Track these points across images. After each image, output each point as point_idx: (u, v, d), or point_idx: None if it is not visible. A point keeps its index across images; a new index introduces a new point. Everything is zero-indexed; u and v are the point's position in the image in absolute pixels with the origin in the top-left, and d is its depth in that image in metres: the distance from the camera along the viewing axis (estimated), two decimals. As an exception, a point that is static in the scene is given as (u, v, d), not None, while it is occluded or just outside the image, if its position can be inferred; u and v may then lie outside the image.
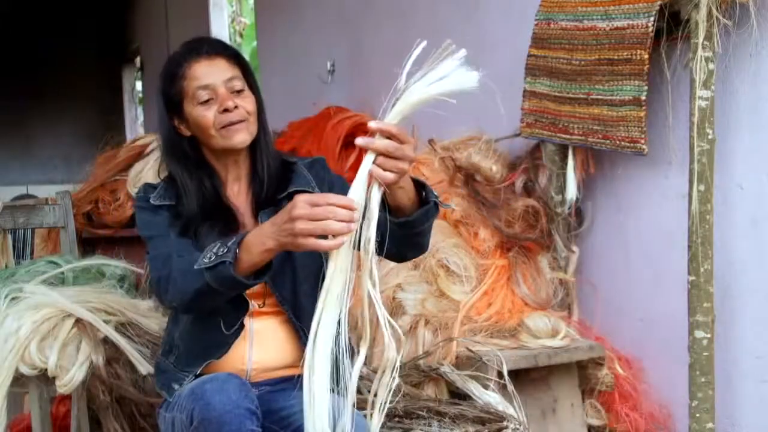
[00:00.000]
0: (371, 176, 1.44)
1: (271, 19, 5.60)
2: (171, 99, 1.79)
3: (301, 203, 1.44)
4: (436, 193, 1.60)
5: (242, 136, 1.76)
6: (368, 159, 1.44)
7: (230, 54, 1.80)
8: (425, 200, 1.58)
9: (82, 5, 9.60)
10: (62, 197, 2.75)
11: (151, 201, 1.79)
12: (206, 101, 1.75)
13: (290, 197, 1.79)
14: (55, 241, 3.37)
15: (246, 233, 1.55)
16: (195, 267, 1.56)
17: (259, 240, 1.52)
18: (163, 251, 1.71)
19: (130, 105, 10.38)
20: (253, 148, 1.82)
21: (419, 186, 1.57)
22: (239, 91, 1.77)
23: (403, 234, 1.57)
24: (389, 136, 1.43)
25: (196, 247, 1.70)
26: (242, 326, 1.74)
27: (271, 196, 1.80)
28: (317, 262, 1.75)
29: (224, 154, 1.80)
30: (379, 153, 1.43)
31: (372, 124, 1.43)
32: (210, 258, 1.54)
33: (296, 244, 1.46)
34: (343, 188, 1.84)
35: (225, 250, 1.53)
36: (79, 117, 9.90)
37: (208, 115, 1.74)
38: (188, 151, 1.81)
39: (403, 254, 1.72)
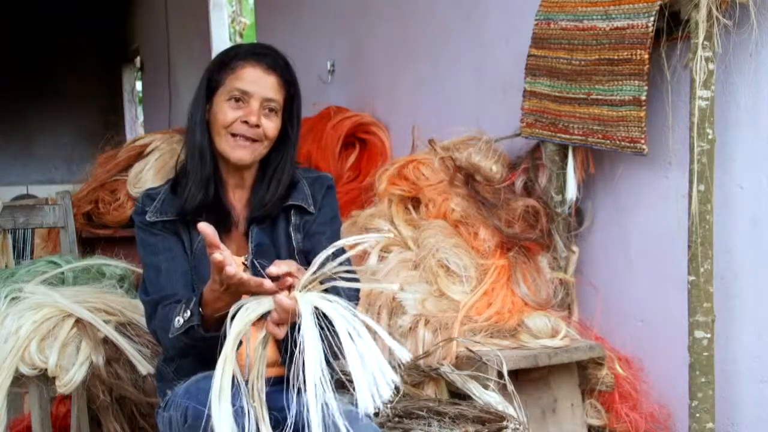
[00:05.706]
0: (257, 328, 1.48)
1: (271, 19, 5.60)
2: (210, 82, 1.79)
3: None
4: None
5: (243, 153, 1.75)
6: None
7: (287, 78, 1.79)
8: None
9: (82, 5, 9.60)
10: (62, 197, 2.75)
11: (147, 218, 1.77)
12: (237, 102, 1.74)
13: (286, 211, 1.82)
14: (55, 241, 3.37)
15: (201, 291, 1.56)
16: (169, 336, 1.59)
17: (212, 293, 1.53)
18: (152, 297, 1.72)
19: (130, 105, 10.38)
20: (264, 171, 1.82)
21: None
22: (270, 112, 1.75)
23: None
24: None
25: (188, 249, 1.71)
26: (240, 342, 1.74)
27: (267, 215, 1.81)
28: None
29: (224, 159, 1.80)
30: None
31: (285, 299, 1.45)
32: (179, 322, 1.57)
33: (238, 285, 1.46)
34: (331, 223, 1.87)
35: (189, 314, 1.56)
36: (79, 117, 9.91)
37: (230, 114, 1.74)
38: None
39: None
